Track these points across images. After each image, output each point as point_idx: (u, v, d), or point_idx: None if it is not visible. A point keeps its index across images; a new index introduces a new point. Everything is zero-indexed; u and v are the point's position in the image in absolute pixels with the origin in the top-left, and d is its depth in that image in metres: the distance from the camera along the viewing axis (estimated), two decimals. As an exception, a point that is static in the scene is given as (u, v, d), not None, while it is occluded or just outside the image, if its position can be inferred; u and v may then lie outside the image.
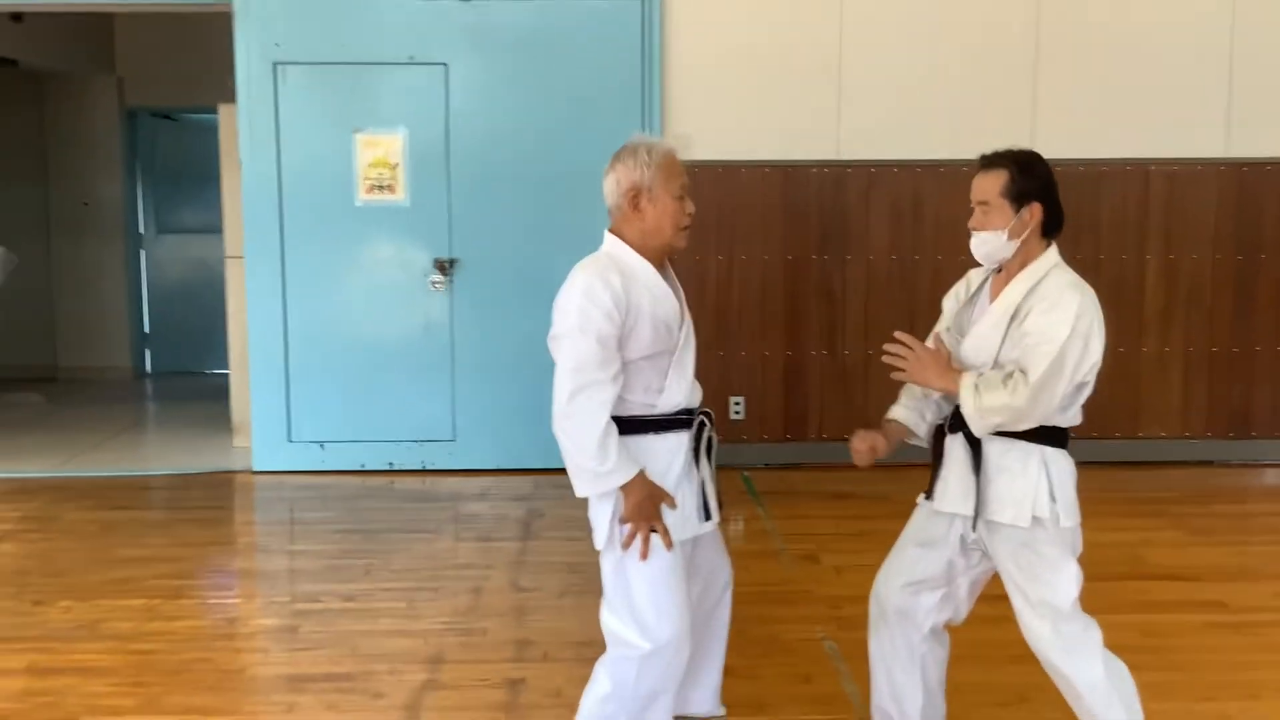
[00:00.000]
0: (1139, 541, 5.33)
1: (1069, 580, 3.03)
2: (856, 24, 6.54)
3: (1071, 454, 3.08)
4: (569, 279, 3.01)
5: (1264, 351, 6.75)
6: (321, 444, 6.64)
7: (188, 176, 10.06)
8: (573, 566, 5.02)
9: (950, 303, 3.27)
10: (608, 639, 3.09)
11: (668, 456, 3.06)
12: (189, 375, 9.94)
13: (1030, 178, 3.04)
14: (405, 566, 5.07)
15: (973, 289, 3.21)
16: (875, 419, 6.77)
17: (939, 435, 3.16)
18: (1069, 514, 3.02)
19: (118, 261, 9.96)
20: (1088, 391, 3.03)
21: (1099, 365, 2.99)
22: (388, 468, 6.64)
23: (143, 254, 10.23)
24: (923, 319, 6.65)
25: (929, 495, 3.18)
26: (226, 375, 7.31)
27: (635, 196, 3.03)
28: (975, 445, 3.06)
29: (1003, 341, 3.01)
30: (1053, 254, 3.07)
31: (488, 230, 6.56)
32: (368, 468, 6.63)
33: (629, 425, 2.99)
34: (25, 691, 3.82)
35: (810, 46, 6.54)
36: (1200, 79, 6.60)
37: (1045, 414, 2.96)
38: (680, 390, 3.08)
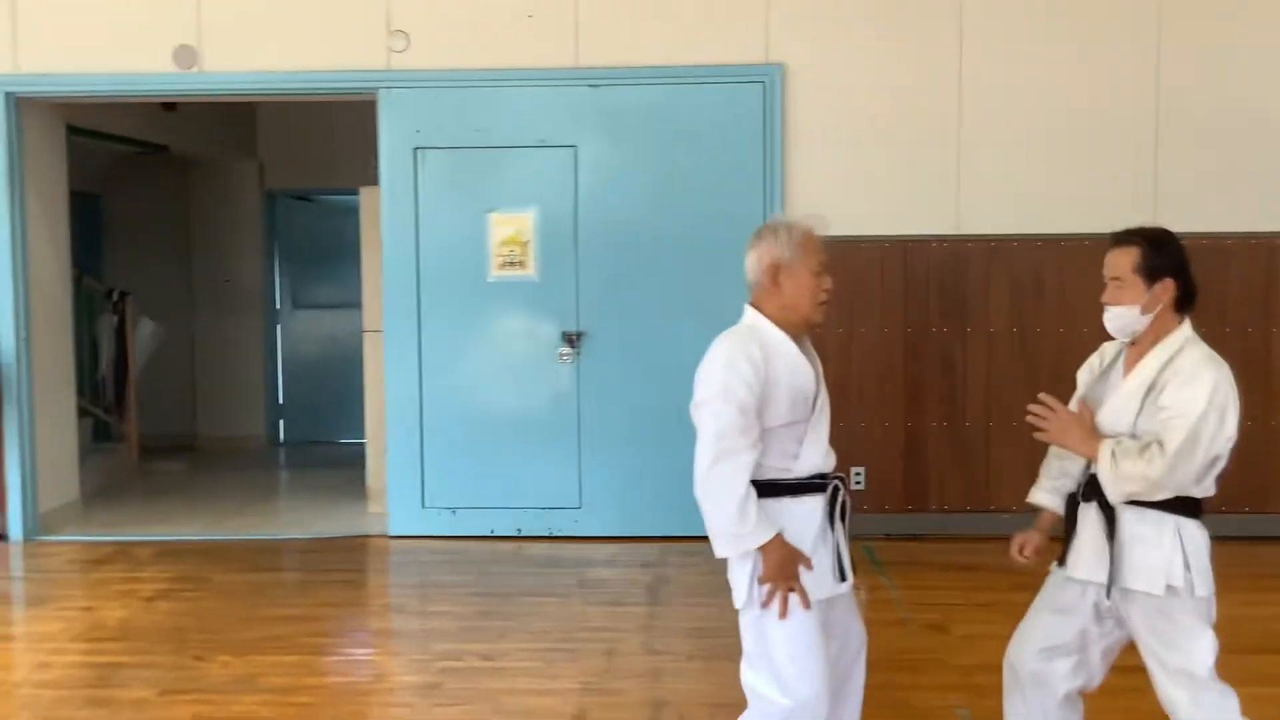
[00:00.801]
0: (1273, 616, 5.28)
1: (1206, 648, 3.07)
2: (975, 97, 6.68)
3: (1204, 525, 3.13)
4: (711, 350, 3.17)
5: (1398, 425, 6.64)
6: (453, 510, 6.88)
7: (322, 255, 10.53)
8: (702, 631, 5.14)
9: (1084, 374, 3.36)
10: (749, 696, 3.20)
11: (804, 519, 3.17)
12: (320, 444, 10.32)
13: (1163, 254, 3.13)
14: (539, 629, 5.23)
15: (1106, 361, 3.30)
16: (995, 491, 6.86)
17: (1072, 503, 3.24)
18: (1204, 583, 3.07)
19: (255, 336, 10.43)
20: (1222, 464, 3.08)
21: (1234, 439, 3.05)
22: (516, 534, 6.84)
23: (279, 329, 10.70)
24: (1044, 390, 6.69)
25: (1061, 563, 3.25)
26: (357, 444, 7.61)
27: (775, 272, 3.17)
28: (1109, 513, 3.13)
29: (1139, 413, 3.09)
30: (1186, 328, 3.15)
31: (613, 304, 6.79)
32: (497, 533, 6.85)
33: (767, 489, 3.11)
34: (192, 739, 4.05)
35: (929, 120, 6.69)
36: (1325, 151, 6.59)
37: (1180, 485, 3.03)
38: (815, 456, 3.20)
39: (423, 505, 6.88)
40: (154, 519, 7.44)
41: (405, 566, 6.52)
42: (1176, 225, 3.22)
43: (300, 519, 7.51)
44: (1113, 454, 3.05)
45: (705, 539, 3.12)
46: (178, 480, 8.84)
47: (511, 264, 6.83)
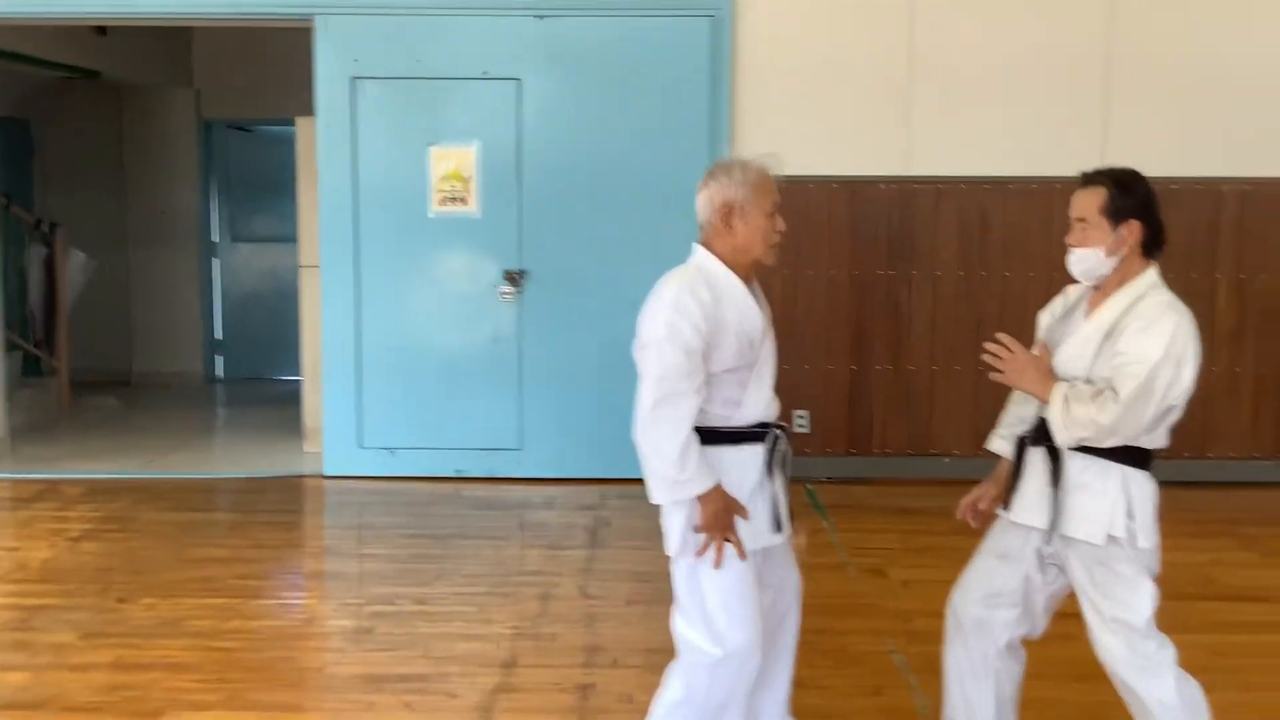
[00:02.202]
0: (1209, 562, 5.31)
1: (1145, 599, 3.04)
2: (926, 40, 6.57)
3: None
4: (657, 290, 3.07)
5: (1337, 373, 6.68)
6: (391, 450, 6.76)
7: (261, 187, 10.27)
8: (640, 575, 5.09)
9: (1046, 317, 3.29)
10: (680, 645, 3.14)
11: (742, 468, 3.11)
12: (259, 382, 10.13)
13: (1129, 195, 3.03)
14: (475, 572, 5.16)
15: (1070, 304, 3.23)
16: (938, 435, 6.85)
17: (1021, 447, 3.18)
18: (1147, 535, 3.03)
19: (191, 269, 10.18)
20: (1176, 415, 3.02)
21: (1190, 390, 2.98)
22: (455, 474, 6.75)
23: (216, 262, 10.45)
24: (989, 335, 6.65)
25: (1006, 506, 3.21)
26: (296, 381, 7.46)
27: (728, 213, 3.08)
28: (1056, 458, 3.08)
29: (1095, 358, 3.02)
30: (1152, 274, 3.07)
31: (557, 243, 6.65)
32: (435, 474, 6.74)
33: (706, 436, 3.03)
34: (112, 686, 3.94)
35: (880, 63, 6.58)
36: (1273, 96, 6.55)
37: (1131, 434, 2.97)
38: (759, 404, 3.13)
39: (360, 445, 6.76)
40: (85, 456, 7.27)
41: (340, 507, 6.41)
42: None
43: (235, 458, 7.37)
44: (1065, 398, 2.99)
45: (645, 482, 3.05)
46: (110, 417, 8.64)
47: (453, 199, 6.67)
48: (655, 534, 3.17)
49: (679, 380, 2.95)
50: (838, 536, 5.73)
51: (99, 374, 9.71)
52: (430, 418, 6.74)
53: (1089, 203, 3.04)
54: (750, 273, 3.15)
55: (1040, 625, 3.27)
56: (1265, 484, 6.66)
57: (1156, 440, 3.05)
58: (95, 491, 6.44)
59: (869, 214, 6.67)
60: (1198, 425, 6.57)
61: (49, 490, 6.45)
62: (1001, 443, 3.30)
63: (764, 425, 3.16)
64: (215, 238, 10.44)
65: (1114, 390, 2.94)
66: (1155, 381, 2.91)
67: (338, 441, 6.77)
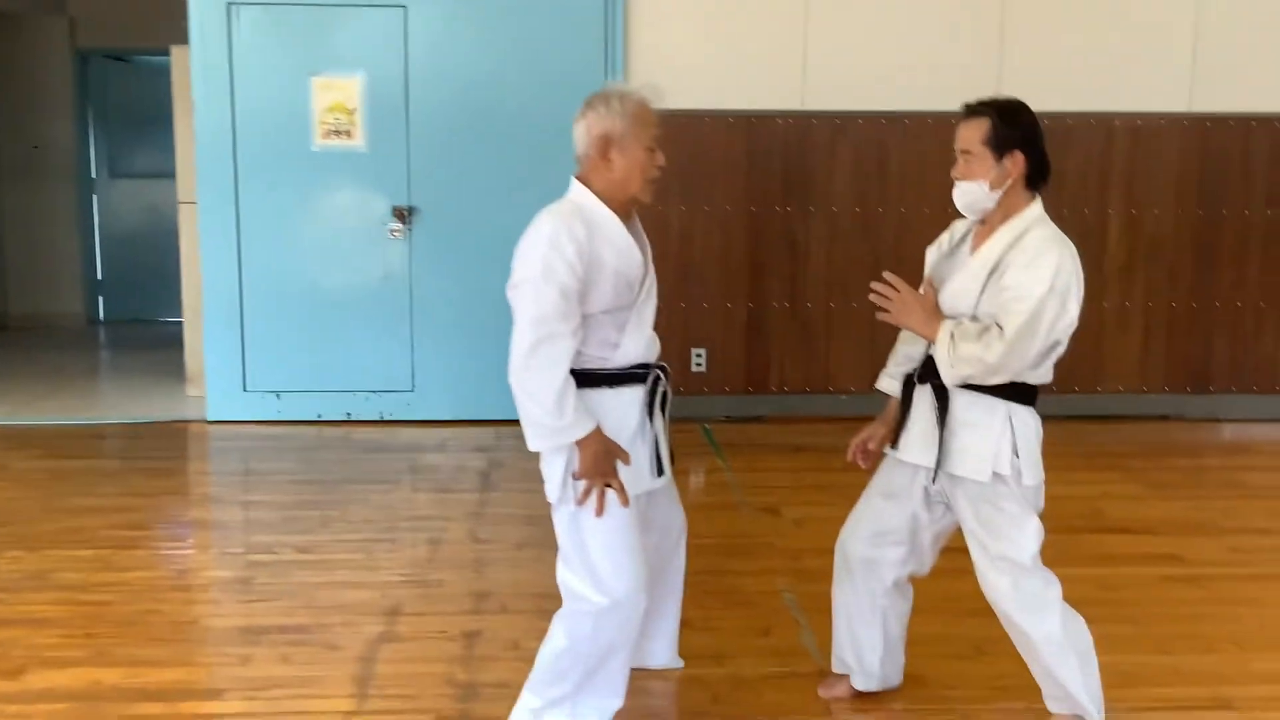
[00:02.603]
0: (1097, 495, 5.36)
1: (1030, 535, 3.02)
2: (823, -29, 6.46)
3: (1037, 410, 3.06)
4: (533, 226, 2.94)
5: (1223, 307, 6.79)
6: (277, 394, 6.55)
7: (141, 120, 9.85)
8: (531, 519, 4.98)
9: (932, 253, 3.23)
10: (564, 593, 3.06)
11: (622, 411, 3.02)
12: (142, 323, 9.79)
13: (1012, 126, 2.97)
14: (362, 518, 5.01)
15: (956, 239, 3.17)
16: (835, 373, 6.83)
17: (909, 385, 3.13)
18: (1032, 472, 3.00)
19: (69, 206, 9.76)
20: (1060, 350, 2.99)
21: (1075, 325, 2.95)
22: (345, 418, 6.56)
23: (95, 199, 10.03)
24: (885, 272, 6.63)
25: (894, 445, 3.16)
26: (180, 323, 7.18)
27: (605, 146, 2.96)
28: (943, 397, 3.03)
29: (981, 294, 2.97)
30: (1036, 207, 3.01)
31: (448, 178, 6.45)
32: (324, 418, 6.56)
33: (583, 379, 2.94)
34: (-29, 643, 3.74)
35: (777, -7, 6.46)
36: (1165, 33, 6.57)
37: (1017, 370, 2.93)
38: (638, 346, 3.04)
39: (244, 389, 6.53)
40: (-49, 403, 6.93)
41: (224, 454, 6.19)
42: (1029, 104, 3.05)
43: (114, 403, 7.09)
44: (951, 335, 2.94)
45: None
46: (-17, 361, 8.27)
47: (337, 133, 6.42)
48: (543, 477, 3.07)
49: (556, 321, 2.84)
50: (733, 476, 5.69)
51: (-29, 316, 9.30)
52: (318, 360, 6.54)
53: (972, 134, 2.98)
54: (629, 209, 3.04)
55: (927, 564, 3.25)
56: (1153, 417, 6.77)
57: (1041, 376, 3.02)
58: (-38, 440, 6.15)
59: (766, 149, 6.57)
60: (1089, 360, 6.67)
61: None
62: (890, 381, 3.25)
63: (644, 366, 3.06)
64: (93, 174, 10.01)
65: (999, 327, 2.89)
66: (1040, 317, 2.87)
67: (221, 385, 6.54)
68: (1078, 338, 3.03)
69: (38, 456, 5.87)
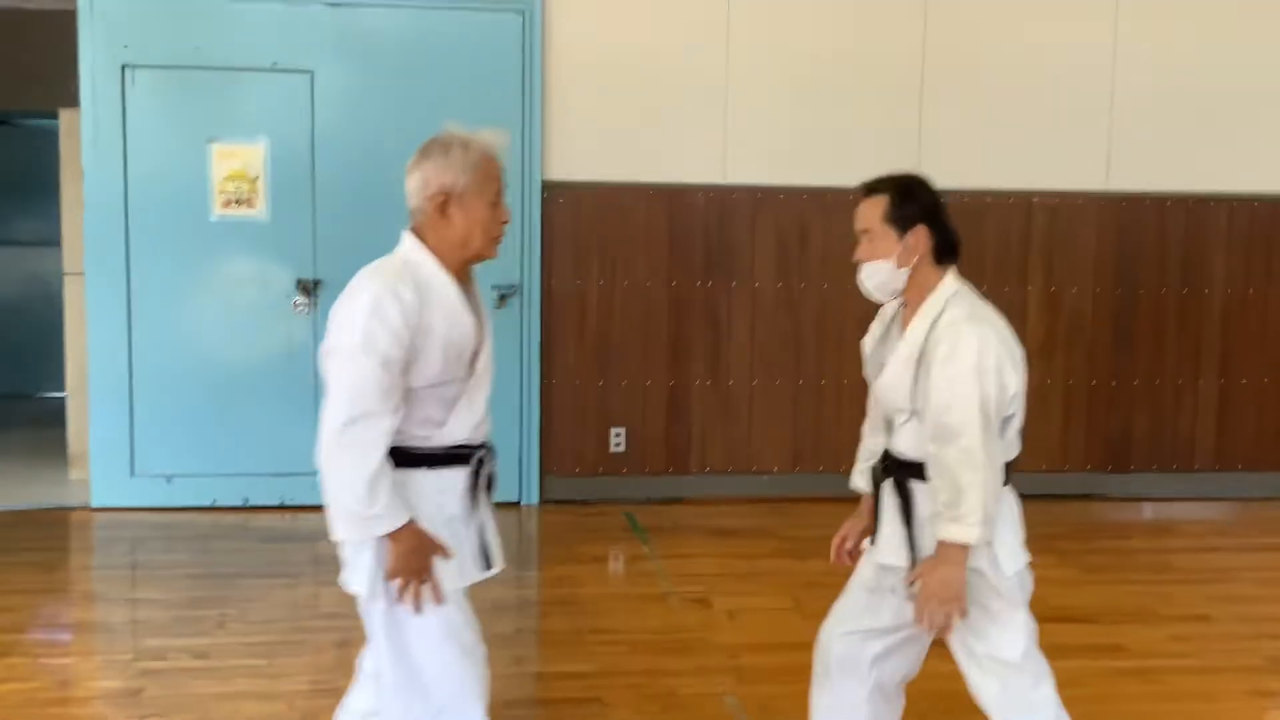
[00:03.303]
0: (1048, 580, 5.21)
1: (1017, 631, 2.82)
2: (743, 46, 6.36)
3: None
4: (353, 286, 2.61)
5: (1141, 385, 6.78)
6: (169, 477, 6.13)
7: (23, 185, 9.34)
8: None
9: (868, 344, 3.04)
10: (385, 706, 2.70)
11: (439, 497, 2.67)
12: (21, 398, 9.23)
13: (911, 201, 2.84)
14: (263, 618, 4.64)
15: (886, 325, 3.00)
16: (759, 450, 6.63)
17: (877, 480, 2.94)
18: (1011, 559, 2.81)
19: (-58, 275, 9.20)
20: (1018, 421, 2.82)
21: (1019, 391, 2.78)
22: (243, 504, 6.17)
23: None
24: (808, 348, 6.46)
25: (873, 541, 2.96)
26: (64, 399, 6.73)
27: (444, 201, 2.65)
28: (905, 493, 2.84)
29: (913, 386, 2.79)
30: (949, 283, 2.84)
31: (355, 250, 5.99)
32: (220, 504, 6.15)
33: (399, 457, 2.59)
34: None
35: (696, 68, 6.34)
36: (1082, 112, 6.59)
37: (1001, 462, 2.75)
38: (464, 426, 2.69)
39: (132, 473, 6.10)
40: None
41: (110, 544, 5.75)
42: (938, 181, 2.93)
43: (-11, 487, 6.58)
44: (953, 520, 2.70)
45: None
46: None
47: (237, 202, 6.09)
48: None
49: (373, 398, 2.52)
50: (659, 563, 5.43)
51: None
52: (214, 441, 6.14)
53: (871, 212, 2.85)
54: (467, 271, 2.73)
55: (915, 667, 3.03)
56: (1076, 496, 6.70)
57: (1008, 452, 2.83)
58: None
59: (687, 222, 6.41)
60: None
61: None
62: (860, 478, 3.06)
63: (468, 447, 2.73)
64: (-30, 240, 9.47)
65: (953, 442, 2.69)
66: (985, 407, 2.69)
67: (107, 468, 6.10)
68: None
69: (-99, 550, 5.39)
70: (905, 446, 2.86)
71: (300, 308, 6.14)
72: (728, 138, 6.38)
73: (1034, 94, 6.56)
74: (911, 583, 2.80)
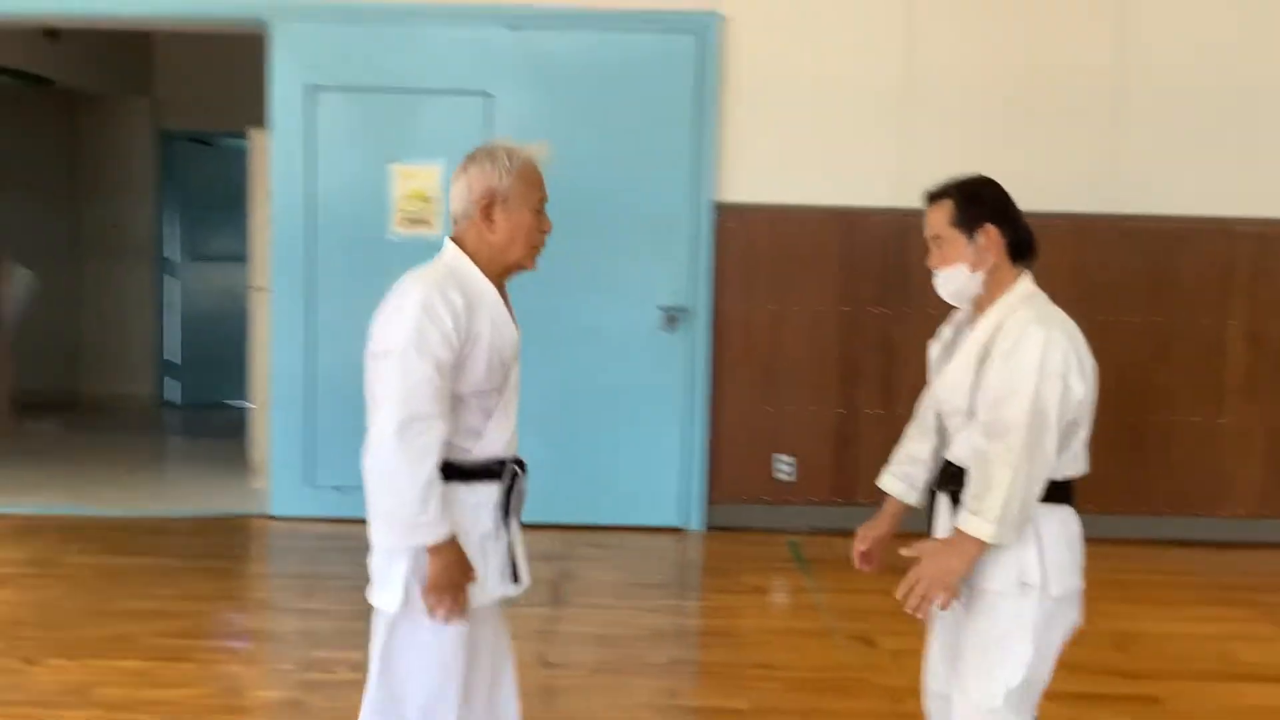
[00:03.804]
0: (1226, 635, 4.86)
1: (1011, 666, 2.62)
2: (923, 65, 6.17)
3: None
4: (402, 289, 2.62)
5: (1354, 427, 6.28)
6: (341, 489, 6.27)
7: (220, 203, 9.79)
8: (606, 640, 4.63)
9: (934, 348, 2.95)
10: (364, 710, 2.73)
11: (473, 512, 2.64)
12: (213, 407, 9.64)
13: (977, 202, 2.76)
14: (425, 633, 4.67)
15: (957, 329, 2.89)
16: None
17: (931, 495, 2.83)
18: (1060, 579, 2.63)
19: (145, 288, 9.70)
20: (1084, 433, 2.66)
21: (1088, 401, 2.62)
22: (412, 518, 6.26)
23: (171, 281, 9.96)
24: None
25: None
26: (249, 409, 6.99)
27: (488, 205, 2.67)
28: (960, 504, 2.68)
29: (974, 385, 2.66)
30: (1025, 284, 2.73)
31: (526, 271, 6.18)
32: (390, 517, 6.25)
33: (441, 470, 2.56)
34: (-1, 767, 3.45)
35: (873, 89, 6.18)
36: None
37: (1048, 469, 2.58)
38: (501, 437, 2.67)
39: (309, 483, 6.27)
40: (15, 488, 6.73)
41: (285, 553, 5.91)
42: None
43: (177, 493, 6.87)
44: (972, 512, 2.57)
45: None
46: (51, 443, 8.13)
47: (415, 221, 6.21)
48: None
49: (428, 400, 2.49)
50: (822, 597, 5.28)
51: (45, 396, 9.20)
52: (386, 455, 6.25)
53: (939, 218, 2.78)
54: (506, 277, 2.75)
55: None
56: (1277, 545, 6.24)
57: (1070, 467, 2.67)
58: (19, 529, 5.93)
59: (861, 246, 6.25)
60: (1208, 482, 6.18)
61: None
62: (891, 480, 2.96)
63: (501, 462, 2.68)
64: (170, 255, 9.95)
65: (1000, 439, 2.55)
66: (1045, 408, 2.55)
67: (286, 478, 6.28)
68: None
69: (93, 551, 5.63)
70: (962, 454, 2.72)
71: (472, 326, 6.21)
72: (904, 159, 6.20)
73: (1236, 112, 6.17)
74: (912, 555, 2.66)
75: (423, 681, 2.64)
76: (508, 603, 2.81)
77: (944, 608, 2.61)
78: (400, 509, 2.50)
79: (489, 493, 2.66)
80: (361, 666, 4.24)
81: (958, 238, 2.74)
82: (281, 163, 6.16)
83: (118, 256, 9.60)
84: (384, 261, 6.12)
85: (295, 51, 6.10)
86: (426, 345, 2.51)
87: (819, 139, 6.19)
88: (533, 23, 6.10)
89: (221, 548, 5.87)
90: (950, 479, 2.73)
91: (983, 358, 2.66)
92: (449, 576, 2.54)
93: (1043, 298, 2.73)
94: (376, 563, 2.66)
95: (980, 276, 2.73)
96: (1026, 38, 6.19)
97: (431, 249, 6.36)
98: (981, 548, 2.57)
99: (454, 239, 2.72)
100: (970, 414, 2.67)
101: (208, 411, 9.59)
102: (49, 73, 8.68)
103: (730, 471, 6.33)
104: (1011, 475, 2.53)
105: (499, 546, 2.68)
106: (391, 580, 2.61)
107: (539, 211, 2.71)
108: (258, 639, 4.75)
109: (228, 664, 4.39)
